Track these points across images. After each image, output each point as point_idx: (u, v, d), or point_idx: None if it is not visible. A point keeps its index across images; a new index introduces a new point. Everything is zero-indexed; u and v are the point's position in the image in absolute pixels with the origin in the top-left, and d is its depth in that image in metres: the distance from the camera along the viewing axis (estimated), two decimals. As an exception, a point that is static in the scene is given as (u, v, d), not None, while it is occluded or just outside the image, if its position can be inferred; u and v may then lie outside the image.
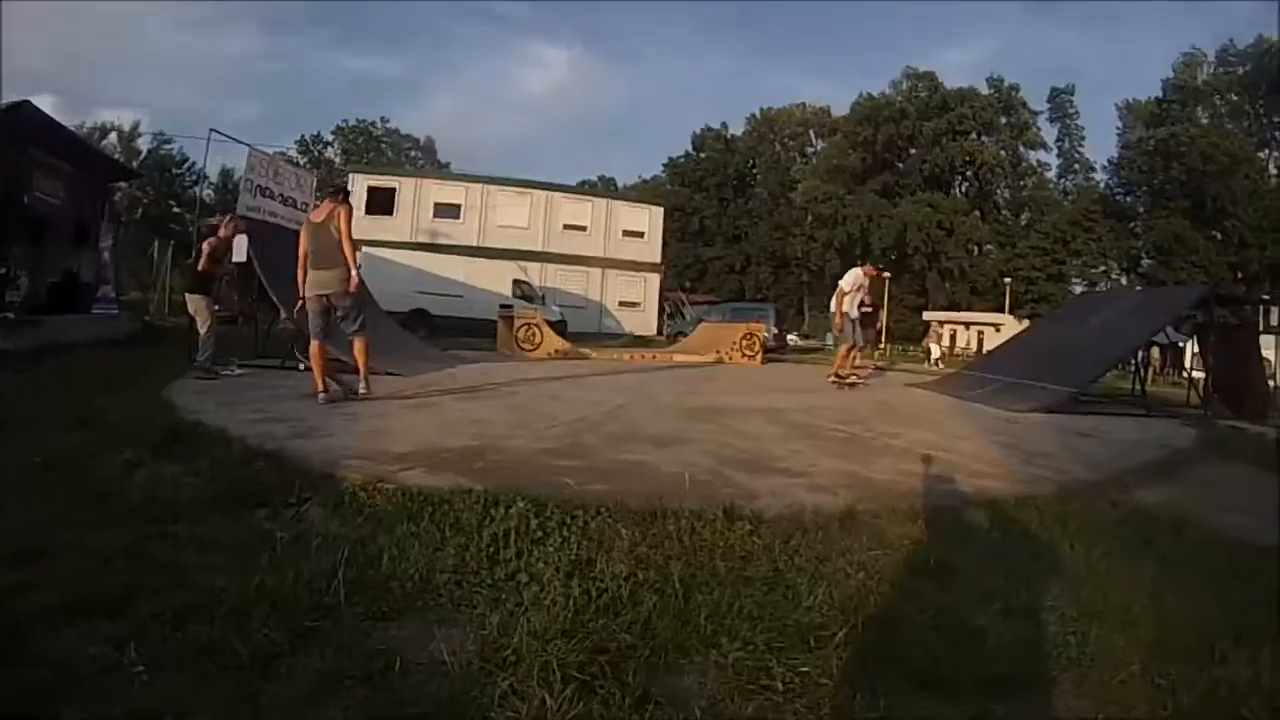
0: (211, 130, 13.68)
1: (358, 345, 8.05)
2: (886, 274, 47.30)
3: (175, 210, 54.06)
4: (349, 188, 8.73)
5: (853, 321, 12.53)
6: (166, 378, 9.29)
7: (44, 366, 10.80)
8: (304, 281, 7.93)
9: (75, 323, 16.83)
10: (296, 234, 8.47)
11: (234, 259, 10.92)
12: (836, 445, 6.81)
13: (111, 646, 2.51)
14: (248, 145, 15.48)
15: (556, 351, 17.09)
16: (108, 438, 5.61)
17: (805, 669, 2.60)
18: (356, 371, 8.16)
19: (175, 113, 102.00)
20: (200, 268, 10.38)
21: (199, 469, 4.63)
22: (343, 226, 7.78)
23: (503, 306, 23.20)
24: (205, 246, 10.44)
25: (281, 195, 14.34)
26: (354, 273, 7.80)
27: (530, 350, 16.99)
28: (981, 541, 4.17)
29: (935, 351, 29.54)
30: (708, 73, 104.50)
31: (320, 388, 7.75)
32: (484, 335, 22.36)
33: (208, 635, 2.58)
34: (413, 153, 65.46)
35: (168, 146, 55.85)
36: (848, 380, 12.97)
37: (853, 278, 12.65)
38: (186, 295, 10.75)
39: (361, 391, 7.95)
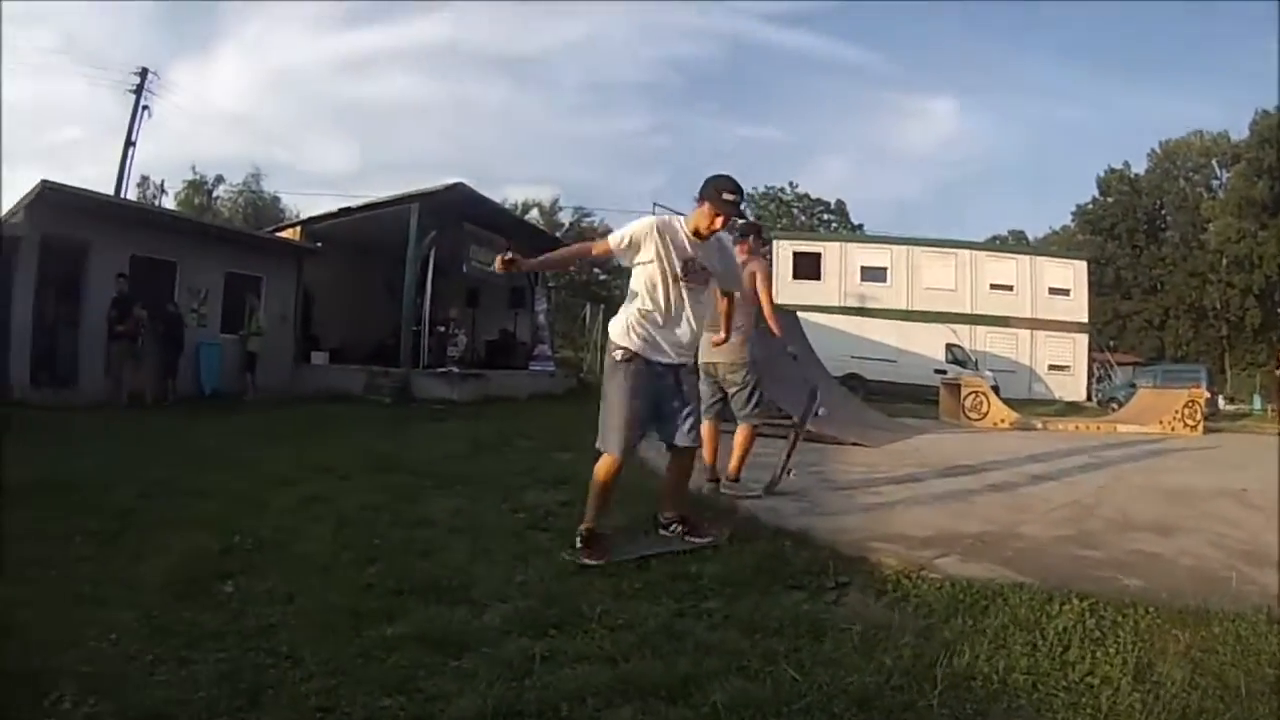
0: (655, 204, 14.79)
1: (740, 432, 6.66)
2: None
3: (601, 277, 58.22)
4: (764, 231, 8.01)
5: None
6: None
7: (487, 417, 12.19)
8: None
9: (515, 378, 18.93)
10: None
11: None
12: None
13: None
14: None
15: (1002, 421, 16.41)
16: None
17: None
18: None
19: (581, 187, 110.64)
20: None
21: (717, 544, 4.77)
22: (760, 285, 6.58)
23: (937, 371, 23.14)
24: None
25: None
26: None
27: (977, 420, 16.48)
28: None
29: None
30: (1095, 107, 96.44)
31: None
32: (916, 400, 22.16)
33: None
34: (824, 216, 66.13)
35: (588, 219, 60.26)
36: None
37: None
38: None
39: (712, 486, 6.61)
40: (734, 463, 6.60)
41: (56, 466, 6.96)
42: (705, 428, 6.25)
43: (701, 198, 4.53)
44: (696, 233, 4.60)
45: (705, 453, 6.37)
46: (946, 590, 4.00)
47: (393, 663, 3.05)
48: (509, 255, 4.36)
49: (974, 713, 2.77)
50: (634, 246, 4.58)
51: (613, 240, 4.66)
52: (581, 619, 3.53)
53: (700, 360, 6.10)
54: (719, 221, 4.55)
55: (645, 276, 4.58)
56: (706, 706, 2.70)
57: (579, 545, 4.45)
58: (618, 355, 4.63)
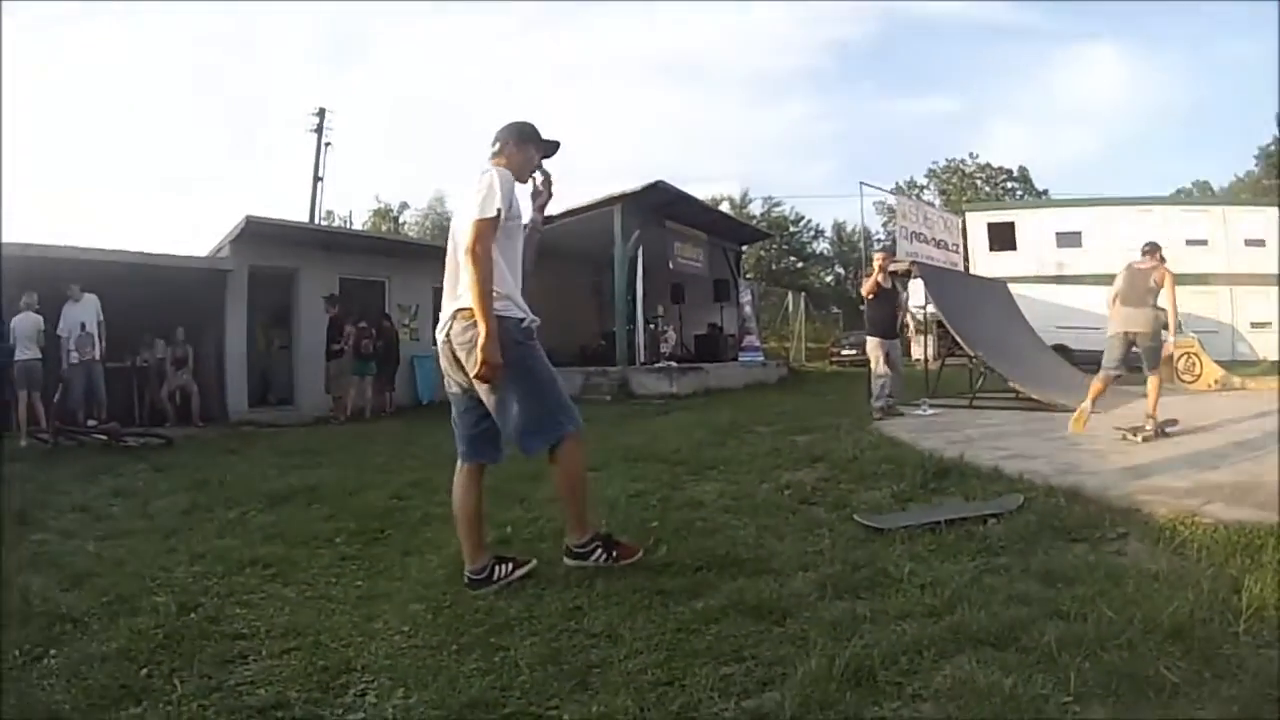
0: (862, 183, 14.36)
1: (1152, 382, 8.45)
2: None
3: (799, 265, 57.59)
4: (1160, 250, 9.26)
5: None
6: (857, 415, 10.18)
7: (711, 407, 12.20)
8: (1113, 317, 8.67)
9: (728, 369, 18.85)
10: (959, 276, 8.83)
11: (911, 303, 11.21)
12: None
13: (1020, 675, 2.55)
14: (893, 194, 16.19)
15: (1216, 383, 15.46)
16: (848, 474, 6.27)
17: None
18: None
19: (757, 178, 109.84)
20: (866, 291, 10.76)
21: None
22: (1167, 285, 8.54)
23: (1143, 335, 21.65)
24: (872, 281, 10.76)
25: (934, 239, 14.63)
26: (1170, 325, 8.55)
27: (1191, 382, 15.57)
28: None
29: None
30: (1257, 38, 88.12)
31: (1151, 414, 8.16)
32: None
33: (1125, 663, 2.60)
34: (1009, 184, 63.37)
35: (778, 209, 58.98)
36: None
37: None
38: (867, 339, 11.00)
39: (1149, 430, 7.91)
40: (1152, 407, 8.17)
41: (298, 475, 7.24)
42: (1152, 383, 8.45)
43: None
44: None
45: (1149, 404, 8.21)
46: (1220, 533, 4.04)
47: (717, 633, 3.09)
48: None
49: (1275, 639, 2.83)
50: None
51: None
52: (891, 580, 3.64)
53: (1121, 329, 8.48)
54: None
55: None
56: (1037, 649, 2.77)
57: (603, 556, 3.96)
58: (524, 324, 3.91)
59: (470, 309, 3.67)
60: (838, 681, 2.56)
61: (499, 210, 3.70)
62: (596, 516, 4.19)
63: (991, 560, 3.87)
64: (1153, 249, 9.22)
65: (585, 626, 3.17)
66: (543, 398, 3.84)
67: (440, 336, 3.90)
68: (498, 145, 4.05)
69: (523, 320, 3.85)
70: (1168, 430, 8.12)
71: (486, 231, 3.67)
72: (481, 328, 3.59)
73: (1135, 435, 7.82)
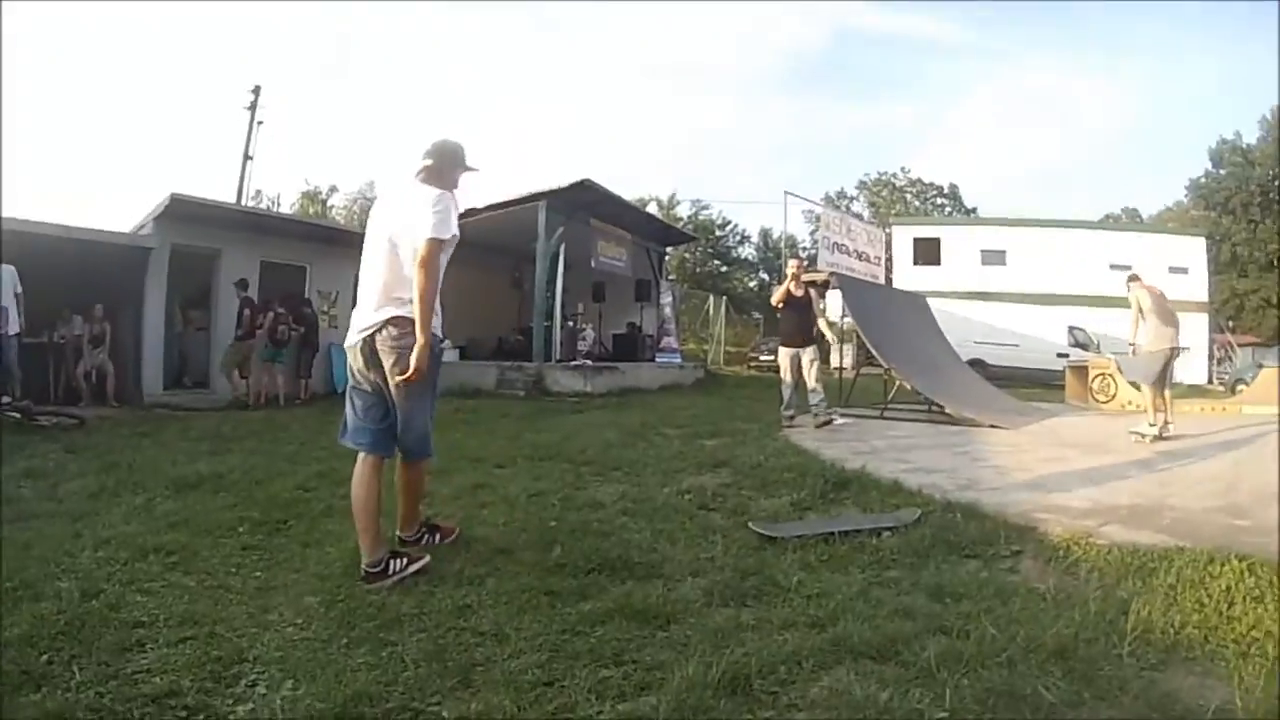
0: (786, 192, 14.53)
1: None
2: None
3: (723, 269, 58.03)
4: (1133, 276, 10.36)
5: None
6: (767, 421, 10.45)
7: (623, 407, 12.41)
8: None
9: (645, 369, 18.94)
10: (878, 288, 8.92)
11: (831, 313, 11.42)
12: None
13: (897, 689, 2.67)
14: (817, 205, 16.53)
15: (1129, 404, 15.68)
16: (751, 480, 6.38)
17: None
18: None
19: (688, 182, 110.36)
20: (776, 300, 10.80)
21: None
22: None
23: (1059, 355, 22.58)
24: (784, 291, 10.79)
25: (856, 251, 14.95)
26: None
27: (1105, 402, 16.10)
28: None
29: None
30: (1195, 73, 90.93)
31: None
32: (1039, 385, 21.88)
33: (1004, 681, 2.69)
34: (939, 200, 64.49)
35: (705, 212, 59.72)
36: None
37: None
38: (780, 348, 11.04)
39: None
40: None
41: (207, 462, 7.19)
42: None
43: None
44: None
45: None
46: (1114, 555, 4.19)
47: (601, 636, 3.17)
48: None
49: (1158, 662, 2.95)
50: None
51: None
52: (779, 589, 3.74)
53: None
54: None
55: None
56: (917, 664, 2.87)
57: (430, 540, 4.43)
58: (443, 342, 4.32)
59: (404, 317, 3.95)
60: (714, 689, 2.67)
61: (454, 235, 3.99)
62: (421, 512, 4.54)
63: (882, 573, 3.98)
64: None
65: (473, 625, 3.26)
66: (432, 412, 4.30)
67: (360, 336, 4.07)
68: (430, 161, 4.22)
69: (442, 340, 4.24)
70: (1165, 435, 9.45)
71: (442, 253, 3.95)
72: (421, 339, 3.87)
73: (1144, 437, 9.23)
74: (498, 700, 2.60)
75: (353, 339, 4.12)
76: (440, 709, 2.60)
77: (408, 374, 3.88)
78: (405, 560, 3.98)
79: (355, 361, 4.12)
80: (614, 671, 2.85)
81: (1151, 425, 9.52)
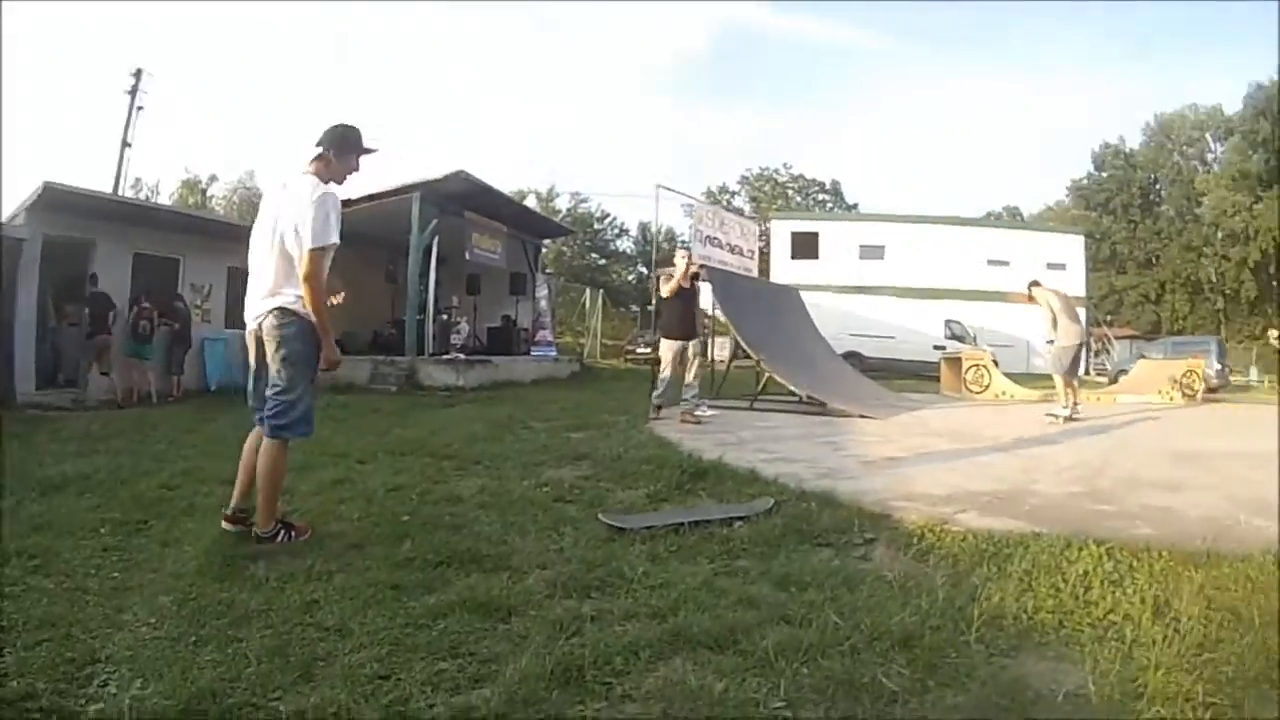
0: (658, 186, 14.45)
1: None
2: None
3: (601, 263, 58.25)
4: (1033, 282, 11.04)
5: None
6: (636, 414, 10.51)
7: (495, 401, 12.48)
8: None
9: (519, 363, 19.00)
10: (750, 281, 8.92)
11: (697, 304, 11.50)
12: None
13: (733, 679, 2.68)
14: (692, 199, 16.83)
15: (1003, 394, 16.48)
16: (610, 472, 6.40)
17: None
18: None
19: (567, 175, 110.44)
20: (669, 291, 10.65)
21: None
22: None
23: (936, 347, 23.42)
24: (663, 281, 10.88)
25: (729, 244, 15.15)
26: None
27: (979, 392, 16.59)
28: None
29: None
30: (1086, 78, 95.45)
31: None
32: (916, 377, 22.35)
33: (844, 669, 2.71)
34: (820, 196, 65.81)
35: (584, 205, 60.21)
36: None
37: None
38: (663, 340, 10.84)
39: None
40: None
41: (73, 463, 6.97)
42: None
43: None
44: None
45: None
46: (970, 541, 4.20)
47: (442, 629, 3.17)
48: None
49: (1008, 649, 2.94)
50: None
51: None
52: (623, 580, 3.70)
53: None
54: None
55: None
56: (756, 653, 2.86)
57: (285, 537, 4.37)
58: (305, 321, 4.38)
59: (285, 309, 4.24)
60: (547, 680, 2.67)
61: (335, 242, 4.18)
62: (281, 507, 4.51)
63: (731, 563, 3.99)
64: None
65: (319, 620, 3.25)
66: (310, 397, 4.43)
67: (252, 325, 4.41)
68: (322, 149, 4.36)
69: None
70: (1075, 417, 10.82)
71: (325, 260, 4.18)
72: (327, 339, 4.31)
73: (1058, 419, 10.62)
74: (335, 694, 2.61)
75: (249, 325, 4.43)
76: (280, 704, 2.59)
77: (324, 365, 4.40)
78: (294, 532, 4.34)
79: (251, 347, 4.47)
80: (450, 664, 2.86)
81: (1064, 408, 10.95)
